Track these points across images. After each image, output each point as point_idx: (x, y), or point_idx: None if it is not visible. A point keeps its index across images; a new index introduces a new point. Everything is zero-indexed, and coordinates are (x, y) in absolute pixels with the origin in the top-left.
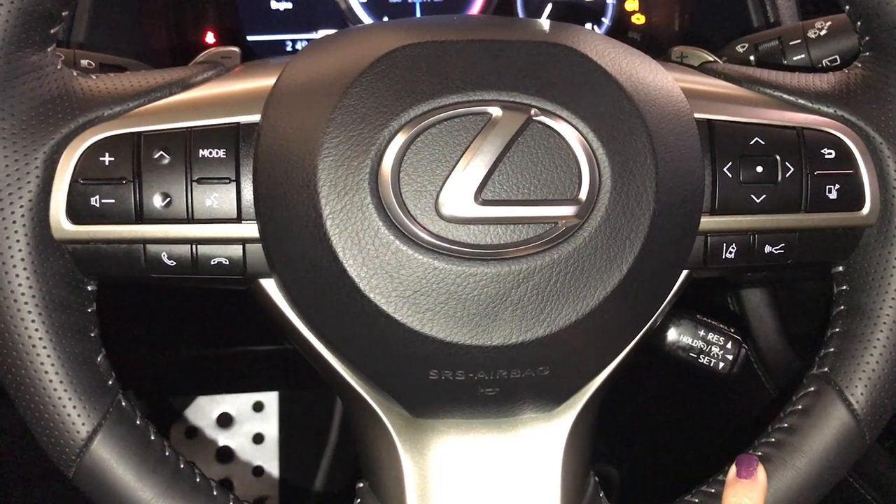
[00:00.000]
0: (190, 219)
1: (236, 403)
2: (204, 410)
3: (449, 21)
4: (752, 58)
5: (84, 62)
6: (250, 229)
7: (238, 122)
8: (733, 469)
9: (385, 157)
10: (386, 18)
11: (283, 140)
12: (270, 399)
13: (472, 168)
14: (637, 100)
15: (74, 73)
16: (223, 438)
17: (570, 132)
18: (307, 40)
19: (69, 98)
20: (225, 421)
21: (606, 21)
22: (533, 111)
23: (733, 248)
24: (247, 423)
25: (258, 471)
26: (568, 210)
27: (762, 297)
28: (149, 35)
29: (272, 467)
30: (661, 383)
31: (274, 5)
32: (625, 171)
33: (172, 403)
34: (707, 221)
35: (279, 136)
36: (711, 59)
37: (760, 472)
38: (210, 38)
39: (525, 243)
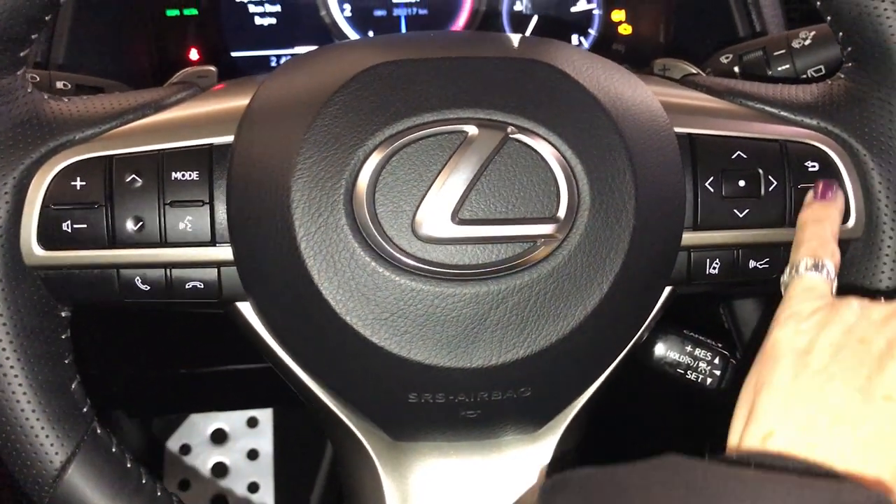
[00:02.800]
0: (163, 242)
1: (230, 419)
2: (198, 427)
3: (424, 38)
4: (736, 69)
5: (59, 84)
6: (225, 252)
7: (211, 144)
8: (810, 194)
9: (360, 177)
10: (371, 33)
11: (257, 161)
12: (265, 415)
13: (449, 187)
14: (615, 115)
15: (45, 97)
16: (217, 455)
17: (548, 150)
18: (292, 55)
19: (39, 121)
20: (219, 437)
21: (593, 32)
22: (510, 129)
23: (717, 263)
24: (241, 440)
25: (253, 487)
26: (547, 228)
27: (755, 310)
28: (131, 54)
29: (267, 483)
30: (653, 398)
31: (258, 21)
32: (604, 188)
33: (166, 420)
34: (690, 237)
35: (252, 157)
36: (694, 71)
37: (839, 194)
38: (194, 55)
39: (504, 263)
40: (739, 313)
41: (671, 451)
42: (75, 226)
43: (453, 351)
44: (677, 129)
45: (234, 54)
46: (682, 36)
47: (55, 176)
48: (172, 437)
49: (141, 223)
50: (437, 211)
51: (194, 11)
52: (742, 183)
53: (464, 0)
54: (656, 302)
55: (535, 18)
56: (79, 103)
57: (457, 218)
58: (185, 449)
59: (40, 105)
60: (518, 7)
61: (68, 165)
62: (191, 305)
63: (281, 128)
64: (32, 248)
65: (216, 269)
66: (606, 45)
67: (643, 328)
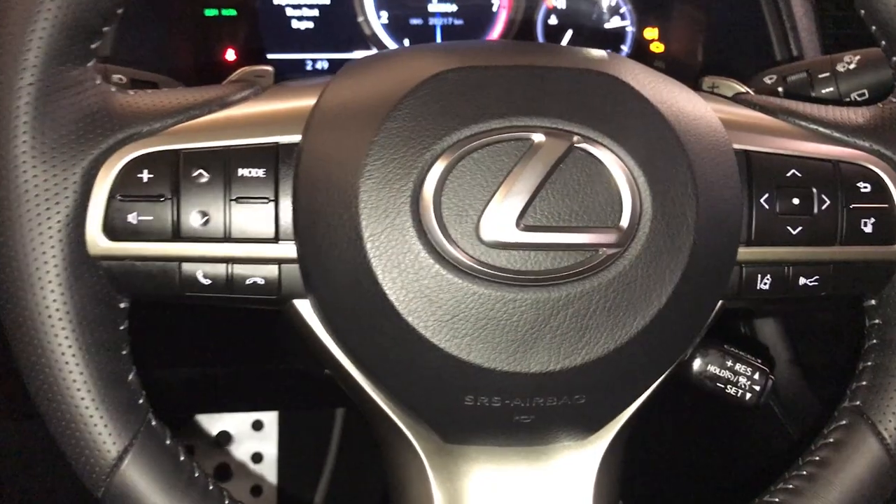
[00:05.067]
0: (227, 238)
1: (235, 422)
2: (203, 428)
3: (492, 46)
4: (780, 89)
5: (115, 77)
6: (287, 250)
7: (278, 142)
8: None
9: (427, 181)
10: (407, 40)
11: (325, 161)
12: (270, 418)
13: (514, 193)
14: (678, 129)
15: (112, 89)
16: (222, 457)
17: (612, 160)
18: (327, 60)
19: (108, 114)
20: (224, 439)
21: (625, 49)
22: (575, 138)
23: (768, 279)
24: (246, 442)
25: (257, 490)
26: (608, 237)
27: (776, 328)
28: (171, 51)
29: (271, 486)
30: (675, 415)
31: (295, 24)
32: (666, 200)
33: (171, 421)
34: (743, 252)
35: (320, 157)
36: (743, 90)
37: None
38: (231, 55)
39: (565, 270)
40: (760, 331)
41: (689, 463)
42: (141, 218)
43: (512, 355)
44: (735, 146)
45: (270, 56)
46: (717, 56)
47: (123, 168)
48: (177, 438)
49: (206, 218)
50: (501, 216)
51: (233, 12)
52: (796, 200)
53: (499, 12)
54: (710, 315)
55: (569, 32)
56: (145, 97)
57: (521, 224)
58: (189, 450)
59: (108, 97)
60: (552, 21)
61: (136, 158)
62: (249, 301)
63: (350, 129)
64: (97, 238)
65: (277, 266)
66: (639, 61)
67: (695, 340)
